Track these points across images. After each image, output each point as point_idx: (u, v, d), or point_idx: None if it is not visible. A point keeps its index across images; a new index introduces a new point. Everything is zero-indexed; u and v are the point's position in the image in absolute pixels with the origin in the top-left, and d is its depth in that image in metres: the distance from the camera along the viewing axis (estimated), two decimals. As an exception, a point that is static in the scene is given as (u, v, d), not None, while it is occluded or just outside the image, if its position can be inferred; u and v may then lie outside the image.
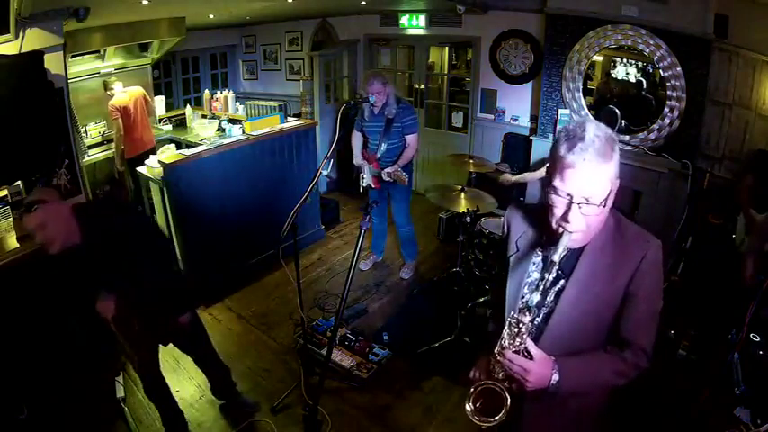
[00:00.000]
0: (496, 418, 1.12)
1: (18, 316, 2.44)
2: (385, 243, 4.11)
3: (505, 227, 1.37)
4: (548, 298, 1.20)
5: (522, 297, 1.22)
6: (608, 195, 1.08)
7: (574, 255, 1.17)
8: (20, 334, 2.46)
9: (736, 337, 2.68)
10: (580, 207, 1.07)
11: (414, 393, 2.72)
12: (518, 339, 1.13)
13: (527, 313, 1.13)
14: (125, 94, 4.45)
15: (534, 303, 1.13)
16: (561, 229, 1.11)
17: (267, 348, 3.12)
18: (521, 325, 1.13)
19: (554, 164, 1.09)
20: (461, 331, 3.05)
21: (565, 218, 1.09)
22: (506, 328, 1.15)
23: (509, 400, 1.12)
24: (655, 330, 1.19)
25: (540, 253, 1.25)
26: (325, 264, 4.15)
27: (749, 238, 2.93)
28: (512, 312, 1.16)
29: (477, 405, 1.15)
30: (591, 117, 1.07)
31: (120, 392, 2.62)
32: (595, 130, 1.05)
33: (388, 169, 3.38)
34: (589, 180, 1.05)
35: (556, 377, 1.13)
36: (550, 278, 1.13)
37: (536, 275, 1.22)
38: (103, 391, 2.64)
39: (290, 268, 2.54)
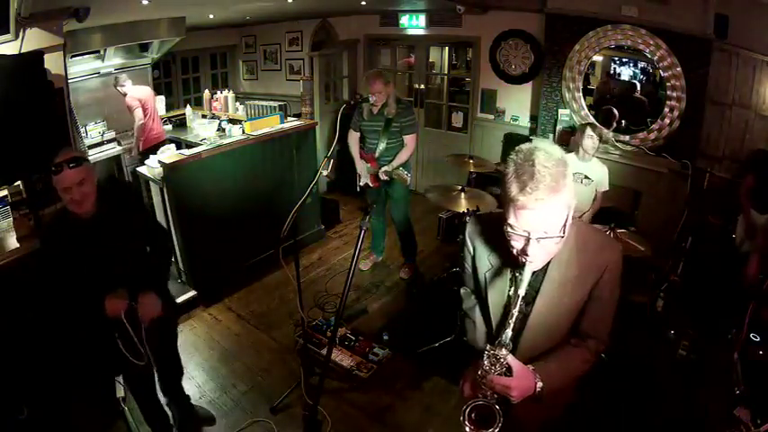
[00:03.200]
0: (492, 428, 1.15)
1: (18, 316, 2.44)
2: (385, 243, 4.11)
3: (468, 243, 1.35)
4: (521, 307, 1.22)
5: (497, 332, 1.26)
6: (566, 221, 1.08)
7: (540, 271, 1.21)
8: (20, 334, 2.45)
9: (736, 337, 2.68)
10: (539, 241, 1.07)
11: (414, 393, 2.72)
12: (498, 366, 1.16)
13: (503, 348, 1.16)
14: (137, 89, 4.65)
15: (508, 340, 1.16)
16: (523, 260, 1.12)
17: (267, 348, 3.12)
18: (499, 357, 1.16)
19: (507, 202, 1.06)
20: (461, 331, 3.05)
21: (524, 252, 1.09)
22: (485, 357, 1.18)
23: (500, 413, 1.15)
24: (611, 323, 1.30)
25: (510, 271, 1.27)
26: (325, 264, 4.15)
27: (753, 239, 2.94)
28: (488, 347, 1.19)
29: (473, 416, 1.18)
30: (539, 144, 1.07)
31: (120, 392, 2.62)
32: (543, 162, 1.01)
33: (385, 168, 3.38)
34: (545, 216, 1.04)
35: (540, 384, 1.19)
36: (514, 312, 1.15)
37: (511, 298, 1.24)
38: (103, 391, 2.64)
39: (290, 268, 2.54)
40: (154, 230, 2.17)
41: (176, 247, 3.54)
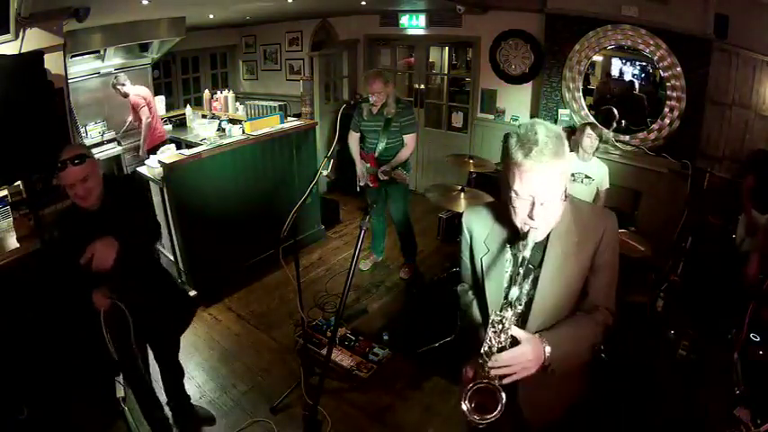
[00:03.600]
0: (493, 414, 1.13)
1: (18, 316, 2.44)
2: (385, 243, 4.11)
3: (466, 232, 1.41)
4: (526, 288, 1.25)
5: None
6: (564, 189, 1.16)
7: (540, 245, 1.25)
8: (20, 334, 2.45)
9: (736, 337, 2.68)
10: (543, 204, 1.13)
11: (414, 393, 2.72)
12: (503, 335, 1.16)
13: (508, 309, 1.17)
14: (138, 89, 4.64)
15: (515, 297, 1.17)
16: (527, 227, 1.17)
17: (267, 348, 3.12)
18: (504, 321, 1.17)
19: (512, 169, 1.13)
20: (461, 331, 3.05)
21: (530, 216, 1.15)
22: (490, 327, 1.18)
23: (503, 395, 1.13)
24: (614, 290, 1.32)
25: (509, 249, 1.30)
26: (325, 264, 4.15)
27: (753, 238, 2.94)
28: (494, 310, 1.20)
29: (473, 404, 1.16)
30: (537, 120, 1.16)
31: (120, 392, 2.62)
32: (546, 132, 1.11)
33: (384, 167, 3.38)
34: (548, 179, 1.11)
35: (548, 349, 1.17)
36: (522, 271, 1.17)
37: (511, 271, 1.28)
38: (103, 391, 2.64)
39: (290, 268, 2.54)
40: (154, 227, 2.17)
41: (176, 247, 3.54)
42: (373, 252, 4.10)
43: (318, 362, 2.87)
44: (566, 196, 1.18)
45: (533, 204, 1.13)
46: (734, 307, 2.79)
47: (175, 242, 3.51)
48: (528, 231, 1.17)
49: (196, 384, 2.78)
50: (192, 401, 2.57)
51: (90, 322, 1.88)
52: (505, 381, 1.14)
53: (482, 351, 1.17)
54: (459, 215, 3.12)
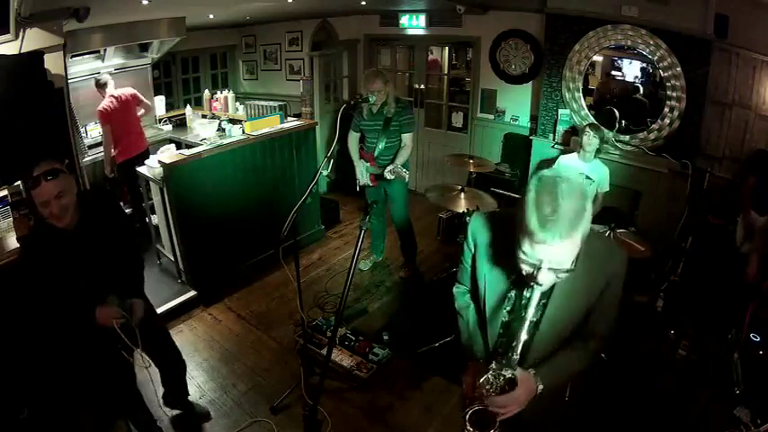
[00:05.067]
0: (493, 429, 1.19)
1: (19, 316, 2.44)
2: (384, 243, 4.11)
3: (470, 239, 1.34)
4: (532, 312, 1.19)
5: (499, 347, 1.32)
6: (578, 253, 1.05)
7: None
8: (20, 334, 2.45)
9: (736, 337, 2.69)
10: (550, 270, 1.05)
11: (414, 393, 2.72)
12: (501, 378, 1.21)
13: (509, 370, 1.19)
14: (112, 99, 4.18)
15: (515, 363, 1.19)
16: (531, 283, 1.10)
17: (267, 348, 3.12)
18: (503, 370, 1.20)
19: (524, 231, 1.02)
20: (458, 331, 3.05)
21: (534, 278, 1.07)
22: (489, 374, 1.21)
23: (497, 420, 1.19)
24: (613, 321, 1.33)
25: (512, 276, 1.24)
26: (325, 264, 4.15)
27: (753, 240, 2.94)
28: (491, 367, 1.21)
29: (473, 420, 1.21)
30: (561, 173, 1.03)
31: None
32: (569, 202, 0.97)
33: (390, 167, 3.37)
34: (561, 252, 1.01)
35: (540, 387, 1.22)
36: (524, 336, 1.16)
37: (513, 294, 1.27)
38: (103, 391, 2.64)
39: (290, 268, 2.54)
40: (131, 240, 2.13)
41: (176, 247, 3.54)
42: (373, 252, 4.10)
43: (318, 362, 2.87)
44: (577, 260, 1.07)
45: (540, 268, 1.05)
46: (734, 307, 2.79)
47: (175, 242, 3.51)
48: (533, 288, 1.11)
49: (196, 384, 2.78)
50: (189, 398, 2.57)
51: (89, 334, 1.88)
52: (500, 418, 1.19)
53: (480, 381, 1.22)
54: (460, 215, 3.15)
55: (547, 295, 1.21)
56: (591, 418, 2.28)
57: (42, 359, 2.51)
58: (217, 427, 2.51)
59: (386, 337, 3.12)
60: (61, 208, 1.70)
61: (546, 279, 1.07)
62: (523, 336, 1.15)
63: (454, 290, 1.53)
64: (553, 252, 1.01)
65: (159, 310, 3.31)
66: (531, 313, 1.13)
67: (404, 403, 2.66)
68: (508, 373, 1.19)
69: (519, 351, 1.17)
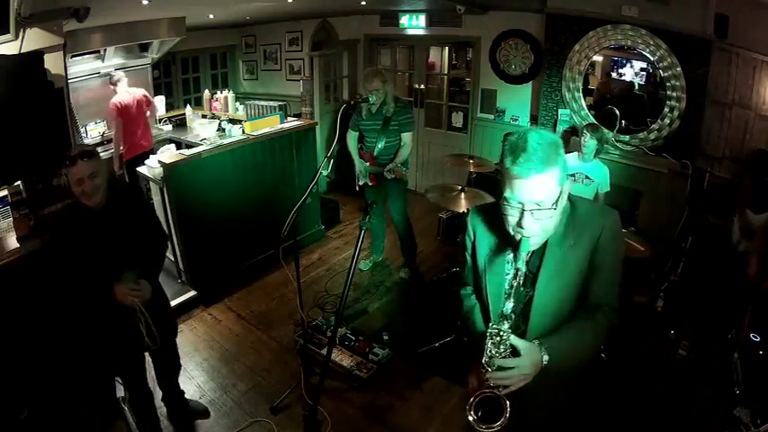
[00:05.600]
0: (498, 423, 1.15)
1: (19, 316, 2.44)
2: (384, 243, 4.11)
3: (470, 229, 1.41)
4: (522, 296, 1.25)
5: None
6: (559, 197, 1.15)
7: (538, 250, 1.25)
8: (20, 334, 2.45)
9: (736, 337, 2.69)
10: (532, 213, 1.13)
11: (414, 393, 2.72)
12: (502, 346, 1.18)
13: (505, 321, 1.18)
14: (128, 93, 4.42)
15: (509, 311, 1.18)
16: (519, 236, 1.17)
17: (267, 348, 3.12)
18: (501, 333, 1.17)
19: (503, 177, 1.15)
20: (461, 332, 3.05)
21: (519, 224, 1.15)
22: (488, 338, 1.19)
23: (508, 404, 1.15)
24: (617, 287, 1.30)
25: (510, 252, 1.28)
26: (325, 264, 4.15)
27: (751, 240, 2.94)
28: (491, 324, 1.21)
29: (479, 413, 1.18)
30: (536, 128, 1.28)
31: (120, 392, 2.62)
32: (538, 139, 1.11)
33: (390, 166, 3.38)
34: (537, 187, 1.11)
35: (546, 357, 1.17)
36: (515, 284, 1.18)
37: (511, 274, 1.26)
38: (103, 391, 2.64)
39: (290, 268, 2.54)
40: (157, 228, 2.23)
41: (176, 247, 3.54)
42: (373, 252, 4.10)
43: (318, 362, 2.87)
44: (557, 202, 1.15)
45: (522, 212, 1.13)
46: (734, 307, 2.79)
47: (175, 242, 3.51)
48: (521, 240, 1.16)
49: (196, 384, 2.78)
50: (185, 396, 2.57)
51: (111, 311, 1.92)
52: (505, 391, 1.17)
53: (483, 361, 1.19)
54: (460, 215, 3.15)
55: (539, 263, 1.25)
56: (591, 419, 2.28)
57: (44, 358, 2.51)
58: (217, 427, 2.51)
59: (386, 337, 3.12)
60: (94, 187, 1.84)
61: (530, 224, 1.14)
62: (515, 284, 1.17)
63: (461, 292, 1.52)
64: (531, 189, 1.10)
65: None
66: (521, 262, 1.17)
67: (404, 403, 2.66)
68: (506, 332, 1.16)
69: (512, 300, 1.17)
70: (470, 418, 1.17)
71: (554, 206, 1.14)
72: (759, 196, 2.94)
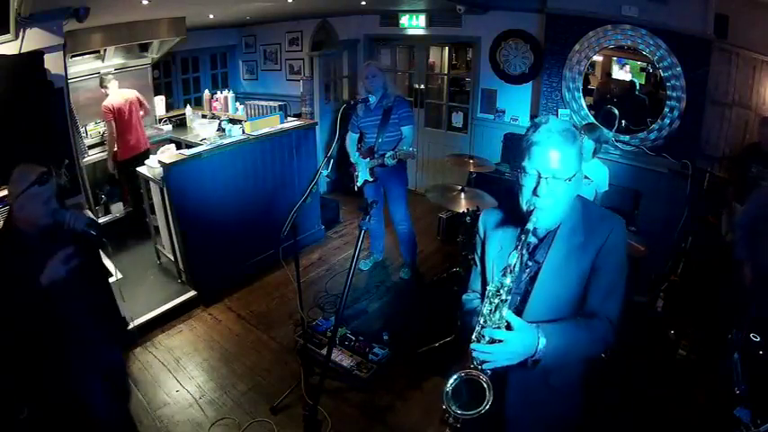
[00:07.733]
0: (481, 407, 1.12)
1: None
2: (384, 243, 4.11)
3: (481, 230, 1.43)
4: (523, 281, 1.27)
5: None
6: (574, 175, 1.18)
7: (546, 243, 1.27)
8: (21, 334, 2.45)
9: (736, 337, 2.68)
10: (548, 181, 1.17)
11: (414, 393, 2.72)
12: (497, 314, 1.15)
13: (508, 277, 1.15)
14: (119, 95, 4.33)
15: (514, 261, 1.17)
16: (532, 206, 1.20)
17: (267, 348, 3.12)
18: (502, 289, 1.15)
19: (522, 150, 1.22)
20: (462, 334, 3.04)
21: (535, 192, 1.18)
22: (486, 301, 1.17)
23: (490, 387, 1.12)
24: (619, 302, 1.26)
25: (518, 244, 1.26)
26: (325, 264, 4.15)
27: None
28: (491, 281, 1.21)
29: (458, 404, 1.16)
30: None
31: (120, 392, 2.62)
32: (558, 119, 1.22)
33: (391, 152, 3.29)
34: (554, 155, 1.16)
35: (543, 341, 1.12)
36: (525, 253, 1.22)
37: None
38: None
39: (290, 268, 2.54)
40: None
41: (176, 247, 3.54)
42: (373, 252, 4.10)
43: (318, 362, 2.87)
44: (574, 183, 1.19)
45: (539, 180, 1.17)
46: (734, 307, 2.78)
47: (175, 242, 3.52)
48: (533, 211, 1.19)
49: (196, 384, 2.78)
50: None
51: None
52: (486, 366, 1.14)
53: (474, 335, 1.16)
54: (460, 215, 3.14)
55: (545, 254, 1.25)
56: (591, 419, 2.27)
57: (44, 357, 2.50)
58: (217, 428, 2.51)
59: (386, 337, 3.12)
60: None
61: (544, 193, 1.17)
62: (523, 251, 1.19)
63: (464, 297, 1.49)
64: (549, 156, 1.16)
65: (159, 310, 3.34)
66: (530, 236, 1.20)
67: (404, 403, 2.66)
68: (506, 301, 1.15)
69: (519, 254, 1.17)
70: (443, 406, 1.17)
71: (569, 179, 1.18)
72: (746, 189, 2.95)
